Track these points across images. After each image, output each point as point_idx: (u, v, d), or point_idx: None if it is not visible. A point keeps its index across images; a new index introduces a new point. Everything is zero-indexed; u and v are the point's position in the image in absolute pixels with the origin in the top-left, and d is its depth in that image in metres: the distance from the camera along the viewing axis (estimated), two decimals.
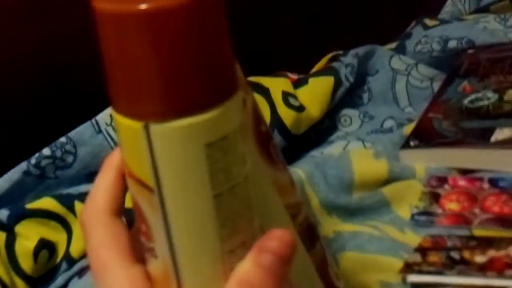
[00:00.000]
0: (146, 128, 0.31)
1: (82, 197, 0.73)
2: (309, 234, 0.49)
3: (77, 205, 0.72)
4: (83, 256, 0.70)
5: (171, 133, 0.32)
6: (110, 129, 0.76)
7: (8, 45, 0.76)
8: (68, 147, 0.74)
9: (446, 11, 1.11)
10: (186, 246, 0.34)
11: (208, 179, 0.33)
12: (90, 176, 0.75)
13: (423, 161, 0.74)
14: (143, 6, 0.29)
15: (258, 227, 0.36)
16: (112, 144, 0.75)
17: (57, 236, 0.70)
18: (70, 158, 0.74)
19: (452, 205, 0.66)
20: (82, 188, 0.74)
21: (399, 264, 0.60)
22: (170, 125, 0.31)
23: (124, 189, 0.38)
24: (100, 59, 0.32)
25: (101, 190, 0.38)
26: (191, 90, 0.31)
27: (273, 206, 0.45)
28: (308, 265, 0.48)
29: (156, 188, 0.33)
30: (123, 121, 0.32)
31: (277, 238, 0.35)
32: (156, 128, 0.31)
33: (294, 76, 0.89)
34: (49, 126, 0.78)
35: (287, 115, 0.81)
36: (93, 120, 0.76)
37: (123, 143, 0.34)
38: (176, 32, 0.30)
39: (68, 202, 0.71)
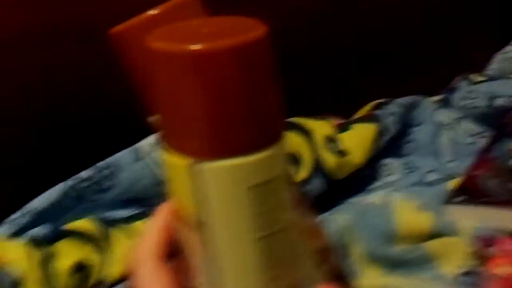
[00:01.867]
0: (193, 166, 0.32)
1: (119, 222, 0.72)
2: (338, 280, 0.48)
3: (114, 230, 0.71)
4: (118, 281, 0.69)
5: (217, 172, 0.32)
6: (149, 158, 0.75)
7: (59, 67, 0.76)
8: (106, 172, 0.74)
9: (493, 67, 1.10)
10: (233, 284, 0.34)
11: (252, 221, 0.33)
12: (127, 202, 0.75)
13: (469, 219, 0.72)
14: (195, 47, 0.30)
15: (304, 274, 0.36)
16: (152, 173, 0.74)
17: (93, 258, 0.70)
18: (108, 183, 0.73)
19: (502, 269, 0.64)
20: (119, 213, 0.74)
21: None
22: (216, 164, 0.32)
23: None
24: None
25: (152, 233, 0.39)
26: (238, 132, 0.32)
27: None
28: None
29: (201, 226, 0.33)
30: (171, 157, 0.33)
31: None
32: (203, 167, 0.32)
33: (337, 121, 0.88)
34: (91, 149, 0.78)
35: (329, 159, 0.80)
36: (133, 147, 0.76)
37: (170, 179, 0.34)
38: (225, 75, 0.31)
39: (105, 226, 0.71)
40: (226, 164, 0.32)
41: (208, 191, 0.32)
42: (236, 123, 0.31)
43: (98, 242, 0.70)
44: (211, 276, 0.34)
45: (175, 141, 0.33)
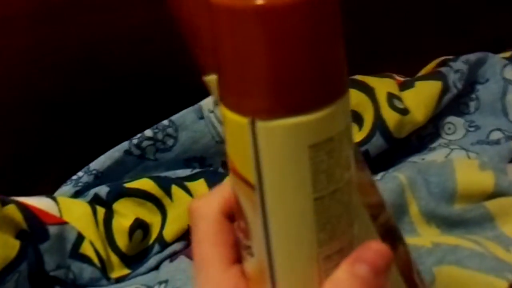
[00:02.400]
0: (252, 124, 0.31)
1: (179, 181, 0.73)
2: (390, 236, 0.47)
3: (174, 188, 0.72)
4: (176, 240, 0.70)
5: (277, 131, 0.31)
6: (212, 116, 0.76)
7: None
8: (170, 130, 0.75)
9: None
10: (283, 247, 0.34)
11: (310, 181, 0.32)
12: (188, 161, 0.76)
13: None
14: (259, 2, 0.29)
15: (357, 234, 0.36)
16: (213, 131, 0.76)
17: (152, 217, 0.71)
18: (170, 142, 0.75)
19: None
20: (180, 172, 0.75)
21: (502, 285, 0.57)
22: (276, 123, 0.31)
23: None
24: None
25: (219, 193, 0.38)
26: (300, 89, 0.31)
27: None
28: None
29: (258, 186, 0.33)
30: (230, 115, 0.32)
31: (374, 250, 0.35)
32: (262, 125, 0.31)
33: (401, 78, 0.87)
34: (152, 108, 0.79)
35: (390, 117, 0.79)
36: (196, 106, 0.76)
37: (228, 138, 0.34)
38: (290, 30, 0.30)
39: (165, 185, 0.72)
40: (287, 123, 0.31)
41: (267, 151, 0.32)
42: (299, 80, 0.30)
43: (158, 201, 0.71)
44: (263, 238, 0.34)
45: (235, 99, 0.32)
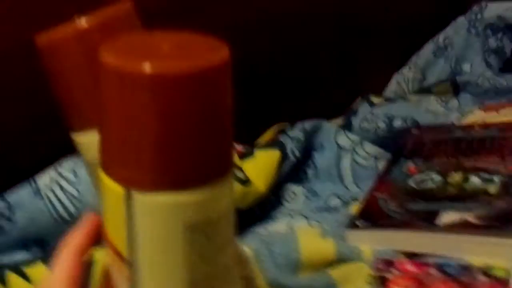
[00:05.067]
0: (129, 195, 0.30)
1: (16, 267, 0.69)
2: None
3: (9, 276, 0.68)
4: None
5: (153, 206, 0.30)
6: (50, 194, 0.73)
7: None
8: (3, 210, 0.71)
9: (390, 90, 1.13)
10: None
11: (184, 262, 0.31)
12: (26, 244, 0.72)
13: (370, 243, 0.73)
14: (149, 70, 0.28)
15: None
16: (52, 209, 0.72)
17: None
18: (5, 223, 0.71)
19: None
20: (18, 256, 0.71)
21: None
22: (153, 197, 0.30)
23: (82, 276, 0.37)
24: None
25: (65, 259, 0.38)
26: (181, 165, 0.30)
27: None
28: None
29: (129, 261, 0.31)
30: (107, 182, 0.31)
31: None
32: (139, 198, 0.30)
33: (240, 148, 0.88)
34: None
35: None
36: (31, 182, 0.73)
37: (105, 206, 0.32)
38: (177, 101, 0.28)
39: (1, 271, 0.67)
40: (164, 199, 0.30)
41: (142, 225, 0.30)
42: (183, 156, 0.29)
43: None
44: None
45: (114, 166, 0.30)
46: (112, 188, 0.30)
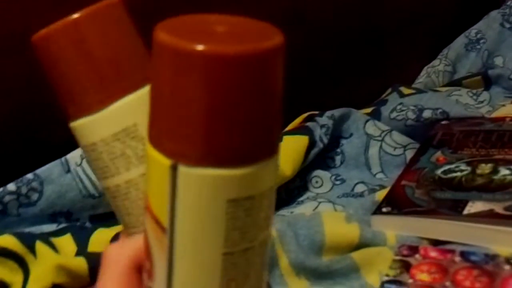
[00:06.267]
0: (174, 168, 0.30)
1: (44, 237, 0.70)
2: None
3: (38, 245, 0.69)
4: None
5: (197, 179, 0.30)
6: (79, 170, 0.74)
7: None
8: (34, 184, 0.72)
9: (420, 81, 1.13)
10: None
11: (223, 235, 0.31)
12: (54, 216, 0.73)
13: (395, 229, 0.73)
14: (203, 47, 0.28)
15: None
16: (81, 185, 0.74)
17: (13, 276, 0.68)
18: (35, 196, 0.72)
19: (423, 276, 0.66)
20: (45, 228, 0.72)
21: None
22: (198, 171, 0.30)
23: None
24: None
25: (131, 245, 0.38)
26: (229, 142, 0.30)
27: None
28: None
29: (169, 230, 0.32)
30: (154, 154, 0.31)
31: None
32: (184, 170, 0.30)
33: None
34: (16, 162, 0.76)
35: None
36: (62, 159, 0.74)
37: (149, 177, 0.33)
38: (229, 80, 0.29)
39: (28, 241, 0.69)
40: (209, 173, 0.30)
41: (184, 197, 0.31)
42: (230, 133, 0.30)
43: (20, 259, 0.68)
44: (165, 283, 0.33)
45: (162, 138, 0.31)
46: (158, 159, 0.31)
